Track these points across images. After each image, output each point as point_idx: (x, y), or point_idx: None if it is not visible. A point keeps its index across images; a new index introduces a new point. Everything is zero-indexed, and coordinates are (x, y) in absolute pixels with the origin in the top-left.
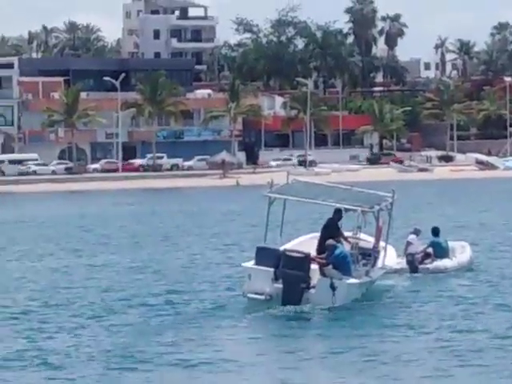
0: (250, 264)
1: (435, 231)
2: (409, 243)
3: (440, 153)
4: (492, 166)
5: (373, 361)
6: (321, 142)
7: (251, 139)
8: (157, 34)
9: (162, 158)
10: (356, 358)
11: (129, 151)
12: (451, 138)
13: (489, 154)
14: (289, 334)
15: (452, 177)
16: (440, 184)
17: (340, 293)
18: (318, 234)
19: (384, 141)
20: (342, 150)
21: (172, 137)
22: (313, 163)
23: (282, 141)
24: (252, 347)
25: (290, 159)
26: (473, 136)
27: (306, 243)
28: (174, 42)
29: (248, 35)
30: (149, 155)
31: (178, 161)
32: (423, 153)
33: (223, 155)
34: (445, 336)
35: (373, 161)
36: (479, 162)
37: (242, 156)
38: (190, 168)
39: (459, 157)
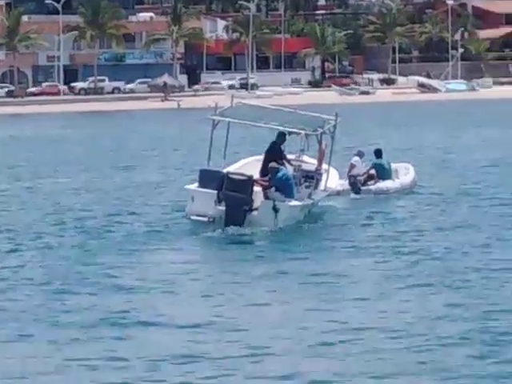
0: (193, 186)
1: (378, 153)
2: (352, 165)
3: (382, 75)
4: (433, 89)
5: (313, 283)
6: (263, 64)
7: (193, 62)
8: None
9: (103, 81)
10: (297, 280)
11: (71, 74)
12: (393, 61)
13: (428, 76)
14: (230, 256)
15: (394, 99)
16: (382, 107)
17: (282, 215)
18: (261, 157)
19: (326, 64)
20: (284, 73)
21: (114, 60)
22: (255, 86)
23: (224, 64)
24: (192, 269)
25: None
26: (415, 59)
27: (249, 166)
28: None
29: None
30: (90, 78)
31: (120, 84)
32: (365, 75)
33: (165, 78)
34: (384, 257)
35: (315, 84)
36: (421, 85)
37: (183, 79)
38: (131, 91)
39: (401, 79)
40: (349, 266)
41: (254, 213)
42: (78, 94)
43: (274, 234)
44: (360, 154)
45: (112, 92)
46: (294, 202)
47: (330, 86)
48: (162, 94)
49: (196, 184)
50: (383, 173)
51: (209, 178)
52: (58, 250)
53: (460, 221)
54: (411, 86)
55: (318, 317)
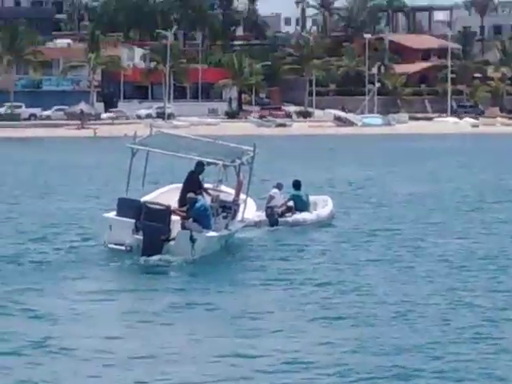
0: (111, 215)
1: (296, 184)
2: (271, 197)
3: (299, 108)
4: (350, 123)
5: (225, 315)
6: (180, 94)
7: (110, 90)
8: None
9: (20, 107)
10: (208, 312)
11: None
12: (310, 94)
13: (343, 110)
14: (144, 286)
15: (310, 132)
16: (299, 139)
17: (199, 245)
18: (179, 186)
19: (243, 95)
20: (201, 104)
21: (31, 86)
22: (171, 116)
23: (141, 92)
24: (106, 298)
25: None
26: (331, 92)
27: (167, 194)
28: None
29: None
30: (7, 104)
31: (37, 110)
32: (282, 108)
33: (82, 106)
34: (298, 290)
35: (231, 115)
36: (337, 119)
37: (100, 107)
38: (48, 118)
39: (318, 113)
40: (261, 298)
41: (172, 243)
42: None
43: (190, 265)
44: (279, 186)
45: (28, 119)
46: (211, 233)
47: (246, 118)
48: (79, 122)
49: (114, 213)
50: (301, 205)
51: (127, 207)
52: None
53: (374, 255)
54: (327, 120)
55: (226, 350)
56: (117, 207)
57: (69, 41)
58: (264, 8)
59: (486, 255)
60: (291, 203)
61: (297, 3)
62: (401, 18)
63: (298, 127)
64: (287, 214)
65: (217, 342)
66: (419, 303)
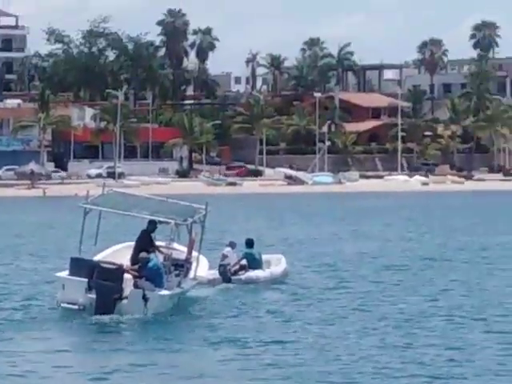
0: (64, 274)
1: (249, 243)
2: (224, 255)
3: (249, 167)
4: (300, 181)
5: (174, 376)
6: (130, 154)
7: (60, 150)
8: None
9: None
10: (153, 373)
11: None
12: (260, 153)
13: (290, 167)
14: (93, 345)
15: (261, 191)
16: (249, 198)
17: (152, 304)
18: (131, 244)
19: (194, 154)
20: (152, 163)
21: None
22: (122, 175)
23: (91, 152)
24: (56, 359)
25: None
26: (282, 151)
27: (120, 253)
28: None
29: (59, 46)
30: None
31: None
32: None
33: (32, 165)
34: (249, 349)
35: (182, 174)
36: (288, 177)
37: (50, 167)
38: None
39: (268, 171)
40: (210, 358)
41: (124, 301)
42: None
43: (142, 324)
44: (232, 245)
45: None
46: (163, 292)
47: (197, 176)
48: (29, 182)
49: (67, 272)
50: (254, 263)
51: (79, 266)
52: None
53: (326, 314)
54: (278, 178)
55: None
56: (69, 266)
57: (19, 101)
58: (214, 67)
59: (436, 313)
60: (244, 261)
61: (247, 62)
62: (351, 76)
63: (249, 186)
64: (240, 272)
65: None
66: (369, 360)
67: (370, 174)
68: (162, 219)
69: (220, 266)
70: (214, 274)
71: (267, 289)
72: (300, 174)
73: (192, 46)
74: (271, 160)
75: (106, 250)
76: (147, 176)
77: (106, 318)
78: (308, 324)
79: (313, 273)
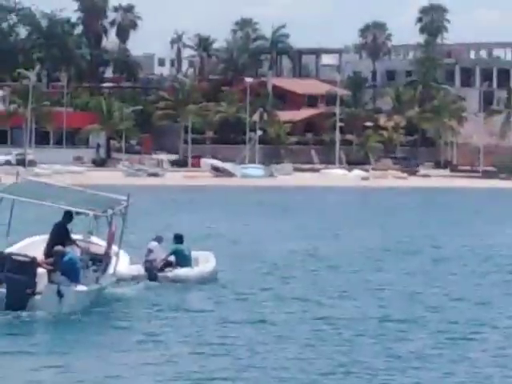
0: None
1: (178, 238)
2: (150, 250)
3: (173, 157)
4: (228, 173)
5: (74, 380)
6: (42, 140)
7: None
8: None
9: None
10: (61, 378)
11: None
12: (185, 142)
13: (216, 158)
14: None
15: (185, 183)
16: (172, 190)
17: (67, 300)
18: (46, 237)
19: (112, 142)
20: (66, 150)
21: None
22: (32, 163)
23: None
24: None
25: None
26: (209, 140)
27: (33, 246)
28: None
29: None
30: None
31: None
32: (154, 156)
33: None
34: (167, 353)
35: (99, 163)
36: (215, 169)
37: None
38: None
39: (193, 162)
40: (123, 361)
41: (37, 297)
42: None
43: (55, 321)
44: (158, 239)
45: None
46: (80, 287)
47: (115, 166)
48: None
49: None
50: (183, 259)
51: None
52: None
53: (254, 315)
54: (204, 170)
55: None
56: None
57: None
58: (136, 48)
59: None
60: (172, 258)
61: (172, 43)
62: (285, 60)
63: (172, 177)
64: (167, 269)
65: None
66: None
67: (304, 166)
68: (79, 210)
69: (146, 261)
70: (139, 269)
71: (194, 288)
72: (228, 166)
73: (112, 24)
74: (197, 150)
75: (20, 242)
76: (60, 164)
77: (16, 313)
78: (233, 324)
79: (240, 271)
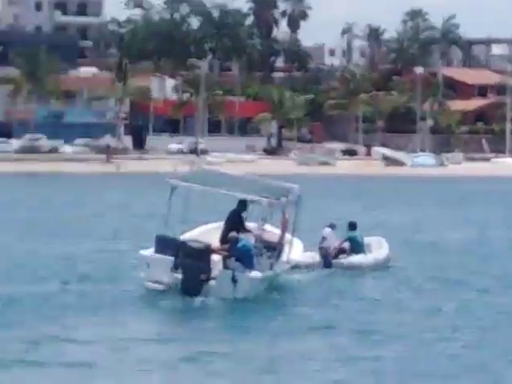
0: (149, 252)
1: (352, 225)
2: (324, 237)
3: (344, 145)
4: (399, 162)
5: (253, 366)
6: (214, 128)
7: (139, 123)
8: (39, 6)
9: (40, 139)
10: (233, 364)
11: (4, 131)
12: (356, 131)
13: (387, 147)
14: (178, 329)
15: (355, 172)
16: (342, 179)
17: (241, 286)
18: (220, 224)
19: (283, 130)
20: (238, 139)
21: (52, 117)
22: (205, 151)
23: (172, 126)
24: (133, 343)
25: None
26: (379, 129)
27: (208, 233)
28: (58, 15)
29: (138, 11)
30: (26, 136)
31: (58, 143)
32: (325, 145)
33: (107, 139)
34: (338, 340)
35: (271, 151)
36: (385, 158)
37: (128, 141)
38: (70, 152)
39: (364, 151)
40: (299, 347)
41: (212, 282)
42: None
43: (230, 307)
44: (332, 226)
45: (49, 152)
46: (253, 274)
47: (287, 155)
48: (104, 157)
49: (151, 250)
50: (356, 246)
51: (165, 245)
52: None
53: (435, 303)
54: (375, 158)
55: None
56: (155, 244)
57: (94, 69)
58: (306, 38)
59: None
60: (346, 244)
61: (342, 33)
62: (456, 51)
63: (343, 166)
64: (341, 256)
65: None
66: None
67: (475, 156)
68: (254, 198)
69: (320, 248)
70: (313, 256)
71: (369, 275)
72: (399, 155)
73: (283, 14)
74: (367, 139)
75: (194, 229)
76: (232, 153)
77: (192, 299)
78: (415, 313)
79: (414, 260)
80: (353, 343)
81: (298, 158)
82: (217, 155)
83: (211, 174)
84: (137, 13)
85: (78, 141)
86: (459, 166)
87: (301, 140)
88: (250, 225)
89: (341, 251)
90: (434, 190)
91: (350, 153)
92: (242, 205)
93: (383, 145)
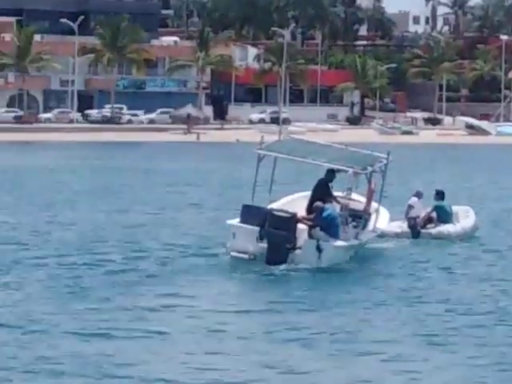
0: (235, 222)
1: (440, 194)
2: (410, 206)
3: (427, 115)
4: (483, 132)
5: (325, 338)
6: (296, 98)
7: (220, 92)
8: None
9: (121, 109)
10: (308, 335)
11: (85, 101)
12: (439, 100)
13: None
14: (264, 297)
15: (439, 141)
16: (427, 148)
17: (326, 255)
18: (307, 193)
19: (366, 100)
20: (320, 108)
21: (133, 87)
22: (287, 121)
23: (253, 95)
24: (225, 307)
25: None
26: (463, 98)
27: (295, 202)
28: None
29: None
30: (107, 106)
31: (139, 113)
32: (408, 114)
33: (188, 109)
34: (420, 311)
35: (353, 120)
36: (469, 127)
37: (209, 110)
38: (151, 121)
39: (447, 120)
40: (378, 318)
41: (297, 251)
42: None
43: (315, 276)
44: (418, 195)
45: (130, 122)
46: (338, 243)
47: (369, 124)
48: (185, 126)
49: (238, 219)
50: (444, 216)
51: (251, 214)
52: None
53: None
54: (458, 128)
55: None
56: (241, 214)
57: (175, 38)
58: (391, 5)
59: None
60: (434, 214)
61: (427, 1)
62: None
63: (426, 135)
64: (429, 226)
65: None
66: None
67: None
68: (339, 167)
69: (409, 218)
70: (402, 226)
71: (458, 244)
72: (483, 124)
73: None
74: (451, 107)
75: (281, 199)
76: (315, 122)
77: (277, 268)
78: (502, 283)
79: (504, 229)
80: (429, 313)
81: (380, 127)
82: (299, 124)
83: (299, 143)
84: None
85: (159, 111)
86: None
87: (383, 109)
88: (336, 193)
89: (428, 220)
90: None
91: (434, 122)
92: (330, 174)
93: (466, 114)
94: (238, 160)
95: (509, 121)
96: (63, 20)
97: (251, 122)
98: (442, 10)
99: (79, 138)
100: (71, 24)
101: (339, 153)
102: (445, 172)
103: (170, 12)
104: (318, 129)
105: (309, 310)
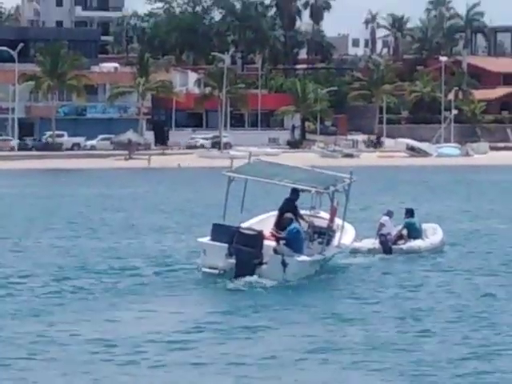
0: (206, 239)
1: (409, 212)
2: (382, 224)
3: (367, 137)
4: (424, 153)
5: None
6: (237, 122)
7: (161, 118)
8: (59, 1)
9: (62, 135)
10: (276, 344)
11: (26, 128)
12: (380, 122)
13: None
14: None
15: (380, 163)
16: (369, 171)
17: (291, 269)
18: (276, 213)
19: (307, 123)
20: (261, 132)
21: (74, 113)
22: (228, 145)
23: (194, 120)
24: (184, 320)
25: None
26: (404, 120)
27: (266, 221)
28: (79, 10)
29: (160, 5)
30: (48, 133)
31: (80, 139)
32: (349, 137)
33: (130, 134)
34: (379, 326)
35: (294, 144)
36: (410, 149)
37: (150, 136)
38: (92, 148)
39: (388, 142)
40: (337, 334)
41: (264, 266)
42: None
43: (279, 290)
44: (389, 214)
45: (71, 148)
46: (302, 257)
47: (310, 147)
48: (127, 152)
49: (208, 237)
50: (415, 232)
51: (221, 232)
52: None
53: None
54: (399, 150)
55: None
56: (211, 232)
57: (116, 64)
58: (330, 29)
59: None
60: (404, 231)
61: (366, 23)
62: (480, 39)
63: (367, 158)
64: (400, 242)
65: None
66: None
67: (500, 145)
68: (303, 187)
69: (381, 235)
70: (375, 243)
71: (426, 259)
72: (424, 146)
73: (305, 5)
74: (392, 130)
75: (253, 218)
76: (255, 146)
77: (245, 280)
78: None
79: (467, 246)
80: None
81: (321, 150)
82: (240, 149)
83: (267, 165)
84: (158, 6)
85: (100, 137)
86: (484, 156)
87: (324, 132)
88: (302, 212)
89: (399, 237)
90: (459, 181)
91: (375, 144)
92: (295, 194)
93: (407, 136)
94: (186, 184)
95: (449, 142)
96: (3, 48)
97: (192, 147)
98: (381, 33)
99: (19, 166)
100: (11, 52)
101: (304, 174)
102: (391, 195)
103: (110, 38)
104: (260, 153)
105: (280, 318)
